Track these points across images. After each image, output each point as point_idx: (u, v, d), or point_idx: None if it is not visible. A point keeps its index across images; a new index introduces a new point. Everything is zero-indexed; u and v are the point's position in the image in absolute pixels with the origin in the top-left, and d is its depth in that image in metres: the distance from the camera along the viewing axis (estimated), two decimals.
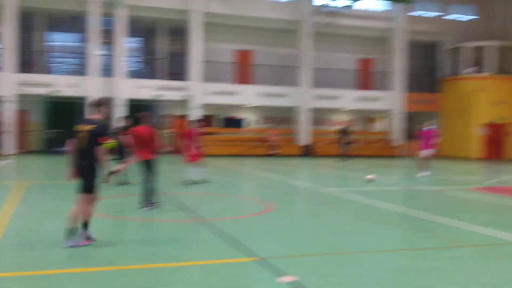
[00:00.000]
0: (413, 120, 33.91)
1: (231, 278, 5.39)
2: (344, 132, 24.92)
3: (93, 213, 6.61)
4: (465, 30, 31.28)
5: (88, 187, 6.33)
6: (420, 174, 16.61)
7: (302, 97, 28.18)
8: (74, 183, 6.47)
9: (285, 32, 29.36)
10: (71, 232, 6.24)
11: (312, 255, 6.36)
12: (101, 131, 6.25)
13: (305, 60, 28.18)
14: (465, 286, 5.24)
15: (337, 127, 28.63)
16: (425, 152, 16.77)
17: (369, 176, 13.51)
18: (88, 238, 6.42)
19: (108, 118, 6.57)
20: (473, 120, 28.99)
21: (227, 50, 28.77)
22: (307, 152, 27.69)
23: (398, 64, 29.98)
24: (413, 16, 30.54)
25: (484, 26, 31.48)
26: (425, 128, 17.20)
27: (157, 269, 5.62)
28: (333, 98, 29.03)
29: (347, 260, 6.20)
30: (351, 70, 30.62)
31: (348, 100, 29.38)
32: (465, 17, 31.89)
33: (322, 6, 28.28)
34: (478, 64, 29.70)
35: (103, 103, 6.51)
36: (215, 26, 27.99)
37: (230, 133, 28.84)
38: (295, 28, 28.67)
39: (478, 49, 29.64)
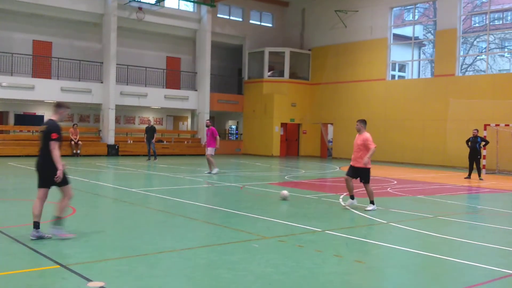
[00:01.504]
0: (220, 119, 35.28)
1: None
2: (151, 131, 24.50)
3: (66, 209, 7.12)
4: (265, 35, 33.42)
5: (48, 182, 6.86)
6: (214, 171, 17.31)
7: (107, 94, 26.98)
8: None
9: (89, 26, 27.90)
10: (57, 223, 6.92)
11: (119, 258, 6.07)
12: (50, 130, 6.73)
13: (110, 55, 27.02)
14: (271, 277, 5.51)
15: (144, 126, 28.20)
16: (210, 150, 17.49)
17: (284, 192, 11.48)
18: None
19: (62, 119, 7.01)
20: (273, 121, 31.12)
21: (23, 40, 26.23)
22: (114, 151, 26.70)
23: (205, 65, 30.65)
24: (219, 19, 31.62)
25: (281, 33, 34.11)
26: (211, 127, 17.83)
27: None
28: (140, 95, 28.44)
29: (156, 260, 6.05)
30: (159, 68, 30.44)
31: (156, 98, 29.05)
32: (265, 24, 34.12)
33: (130, 1, 27.44)
34: (274, 68, 32.03)
35: (62, 106, 7.03)
36: (9, 13, 25.28)
37: (27, 132, 26.33)
38: (99, 22, 27.40)
39: (275, 54, 31.95)
